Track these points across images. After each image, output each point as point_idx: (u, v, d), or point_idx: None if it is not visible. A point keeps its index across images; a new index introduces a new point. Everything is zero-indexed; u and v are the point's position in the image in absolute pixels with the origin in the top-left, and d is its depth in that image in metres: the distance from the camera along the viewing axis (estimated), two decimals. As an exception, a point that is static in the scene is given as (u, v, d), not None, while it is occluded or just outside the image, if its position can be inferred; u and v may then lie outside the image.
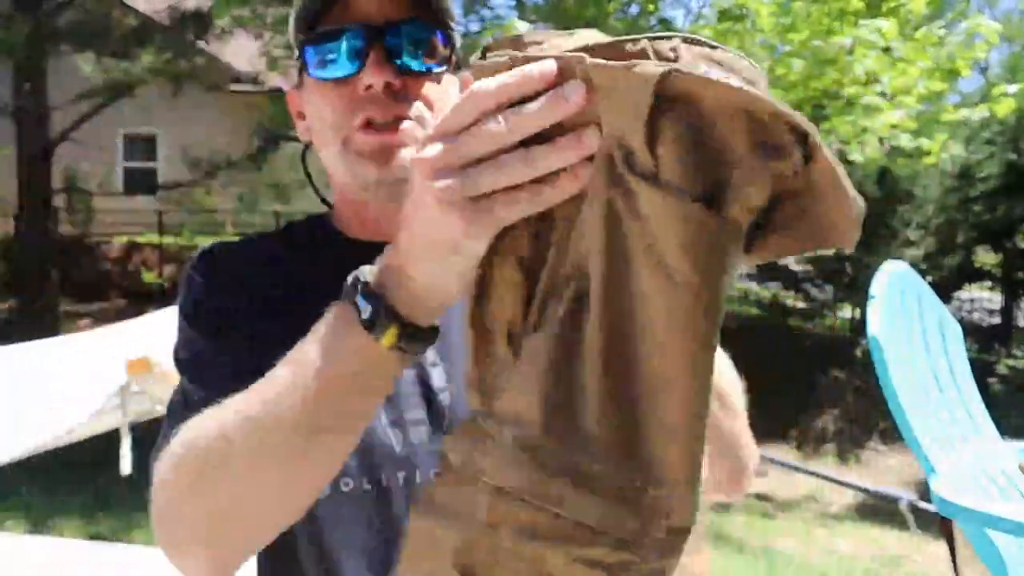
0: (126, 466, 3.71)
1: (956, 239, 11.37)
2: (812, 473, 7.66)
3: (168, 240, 12.67)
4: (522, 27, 6.50)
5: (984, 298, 13.35)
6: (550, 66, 0.48)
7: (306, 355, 0.61)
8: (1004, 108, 6.19)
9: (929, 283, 2.39)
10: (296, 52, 0.87)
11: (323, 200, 0.98)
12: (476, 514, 0.47)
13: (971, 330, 10.87)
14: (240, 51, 10.62)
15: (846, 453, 9.63)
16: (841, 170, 0.46)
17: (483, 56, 0.54)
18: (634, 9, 7.67)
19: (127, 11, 10.55)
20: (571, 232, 0.49)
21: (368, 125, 0.82)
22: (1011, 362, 10.94)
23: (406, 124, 0.81)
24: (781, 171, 0.45)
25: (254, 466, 0.64)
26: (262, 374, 0.65)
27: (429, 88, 0.83)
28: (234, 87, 11.63)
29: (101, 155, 12.23)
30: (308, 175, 0.99)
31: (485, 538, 0.46)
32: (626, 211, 0.45)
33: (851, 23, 6.00)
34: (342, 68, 0.82)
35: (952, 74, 6.24)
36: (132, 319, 5.12)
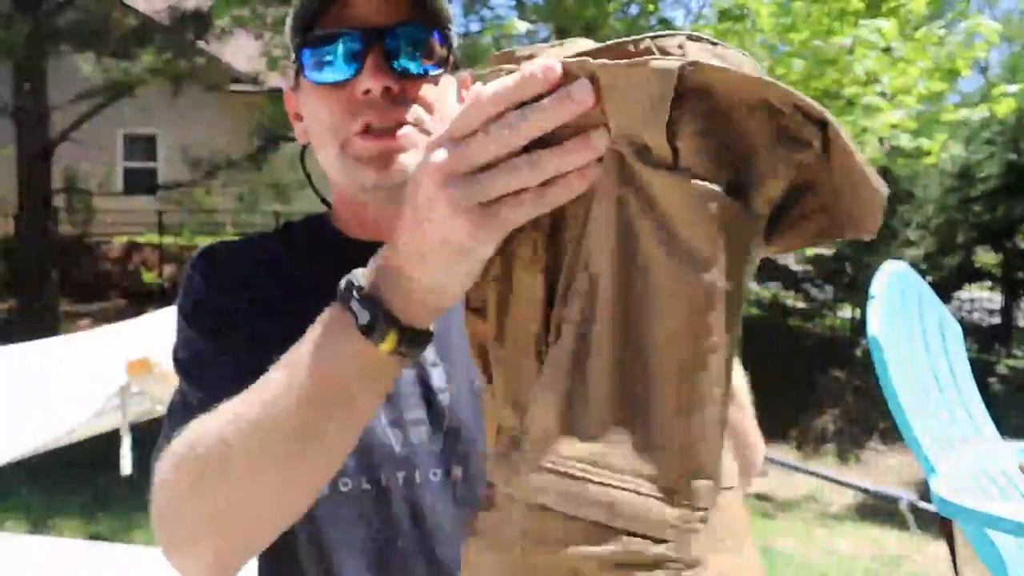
0: (126, 466, 3.71)
1: (956, 239, 11.37)
2: (812, 473, 7.66)
3: (168, 240, 12.66)
4: (522, 27, 6.50)
5: (984, 298, 13.35)
6: (554, 66, 0.48)
7: (302, 359, 0.61)
8: (1004, 108, 6.19)
9: (929, 283, 2.39)
10: (292, 54, 0.86)
11: (322, 200, 0.98)
12: (510, 534, 0.46)
13: (971, 330, 10.86)
14: (240, 51, 10.62)
15: (846, 453, 9.63)
16: (861, 157, 0.45)
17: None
18: (634, 9, 7.67)
19: (127, 11, 10.54)
20: (583, 232, 0.48)
21: (367, 130, 0.81)
22: (1011, 362, 10.94)
23: (405, 129, 0.81)
24: (800, 161, 0.45)
25: (253, 468, 0.64)
26: (262, 374, 0.65)
27: (427, 91, 0.83)
28: (234, 87, 11.62)
29: (101, 155, 12.23)
30: (307, 175, 0.99)
31: (521, 558, 0.45)
32: (639, 207, 0.45)
33: (851, 23, 6.00)
34: (339, 72, 0.82)
35: (952, 74, 6.24)
36: (132, 319, 5.11)
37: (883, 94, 5.94)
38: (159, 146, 14.05)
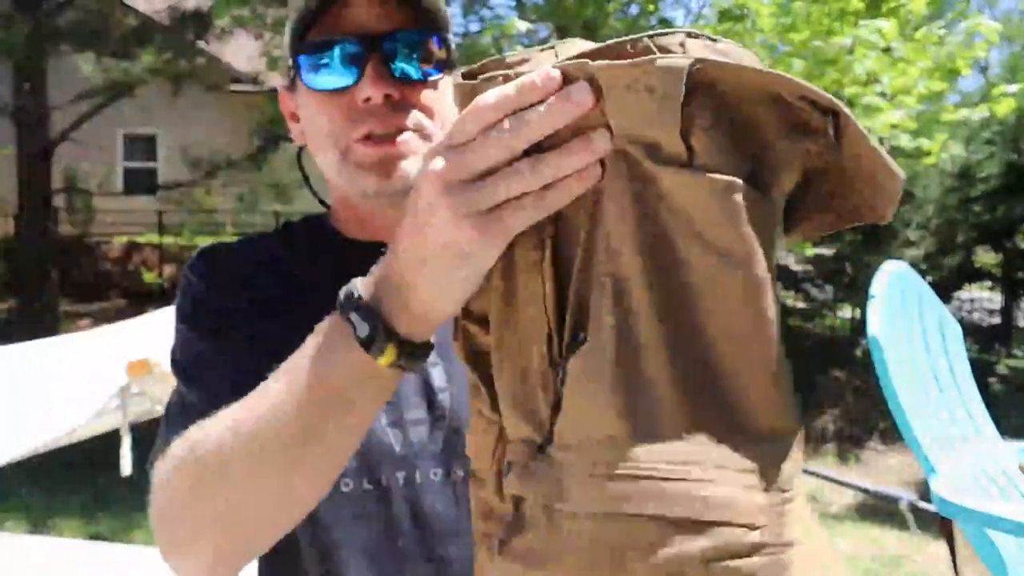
0: (126, 467, 3.71)
1: (956, 239, 11.37)
2: (812, 473, 7.66)
3: (168, 240, 12.66)
4: (522, 27, 6.50)
5: (984, 298, 13.34)
6: (553, 73, 0.48)
7: (302, 367, 0.61)
8: (1004, 108, 6.18)
9: (929, 283, 2.39)
10: (289, 58, 0.85)
11: (320, 201, 0.98)
12: (579, 548, 0.45)
13: (971, 330, 10.85)
14: (240, 51, 10.62)
15: (846, 453, 9.62)
16: (875, 142, 0.45)
17: (472, 77, 0.53)
18: (634, 9, 7.67)
19: (127, 11, 10.54)
20: (593, 233, 0.48)
21: (368, 137, 0.81)
22: (1011, 362, 10.93)
23: (406, 135, 0.81)
24: (814, 151, 0.45)
25: (252, 472, 0.64)
26: (261, 375, 0.65)
27: (427, 96, 0.83)
28: (234, 87, 11.62)
29: (101, 155, 12.22)
30: (305, 177, 0.99)
31: (609, 570, 0.43)
32: (657, 206, 0.45)
33: (851, 23, 6.00)
34: (339, 79, 0.81)
35: (952, 74, 6.24)
36: (132, 319, 5.11)
37: (883, 94, 5.93)
38: (159, 146, 14.05)
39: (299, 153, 0.96)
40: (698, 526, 0.42)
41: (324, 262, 0.88)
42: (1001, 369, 10.49)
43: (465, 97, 0.52)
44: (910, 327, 2.18)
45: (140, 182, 13.37)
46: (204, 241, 9.40)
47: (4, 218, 11.16)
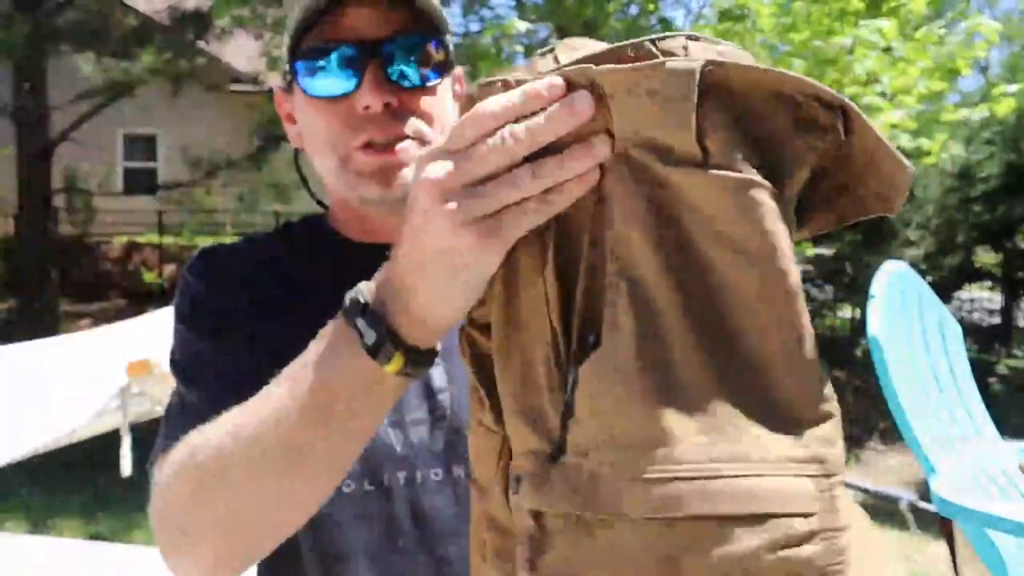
0: (126, 467, 3.71)
1: (956, 239, 11.36)
2: (812, 473, 7.62)
3: (168, 240, 12.66)
4: (522, 27, 6.50)
5: (984, 298, 13.34)
6: (556, 82, 0.48)
7: (305, 373, 0.60)
8: (1004, 108, 6.18)
9: (929, 283, 2.39)
10: (287, 62, 0.84)
11: (319, 202, 0.98)
12: (599, 558, 0.44)
13: (971, 330, 10.84)
14: (240, 51, 10.61)
15: (846, 453, 9.60)
16: (884, 136, 0.46)
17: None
18: (634, 9, 7.66)
19: (127, 11, 10.53)
20: (599, 238, 0.47)
21: (367, 145, 0.80)
22: (1011, 362, 10.93)
23: (405, 144, 0.81)
24: (823, 147, 0.46)
25: (253, 476, 0.64)
26: (261, 375, 0.65)
27: (426, 102, 0.82)
28: (234, 87, 11.62)
29: (101, 155, 12.22)
30: (303, 179, 0.99)
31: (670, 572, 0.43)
32: (673, 206, 0.45)
33: (851, 23, 6.00)
34: (337, 86, 0.80)
35: (952, 74, 6.23)
36: (132, 319, 5.11)
37: (883, 94, 5.93)
38: (159, 146, 14.05)
39: (296, 155, 0.95)
40: (750, 521, 0.41)
41: (324, 263, 0.88)
42: (1001, 369, 10.48)
43: (464, 107, 0.52)
44: (910, 327, 2.18)
45: (140, 182, 13.36)
46: (204, 241, 9.41)
47: (4, 218, 11.16)
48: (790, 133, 0.45)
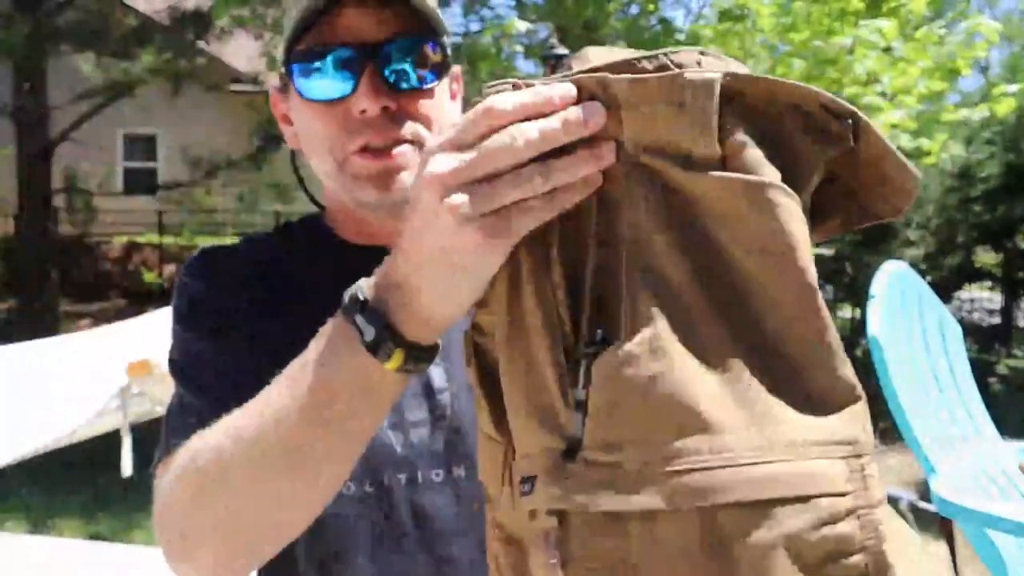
0: (127, 467, 3.71)
1: (956, 239, 11.35)
2: (812, 473, 7.62)
3: (168, 240, 12.66)
4: (522, 27, 6.50)
5: (984, 298, 13.33)
6: (569, 88, 0.49)
7: (305, 373, 0.60)
8: (1004, 108, 6.18)
9: (929, 283, 2.39)
10: (283, 64, 0.83)
11: (315, 203, 0.97)
12: (637, 551, 0.44)
13: (971, 330, 10.83)
14: (240, 51, 10.62)
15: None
16: (892, 146, 0.48)
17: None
18: (634, 9, 7.66)
19: (127, 11, 10.54)
20: (609, 238, 0.48)
21: (364, 149, 0.79)
22: (1011, 362, 10.92)
23: (403, 148, 0.80)
24: (833, 155, 0.48)
25: (253, 478, 0.64)
26: (260, 375, 0.65)
27: (424, 105, 0.82)
28: (234, 87, 11.62)
29: (101, 155, 12.23)
30: (300, 180, 0.98)
31: (722, 556, 0.43)
32: (691, 209, 0.47)
33: (851, 23, 6.00)
34: (334, 89, 0.79)
35: (952, 74, 6.23)
36: (132, 319, 5.11)
37: (883, 94, 5.93)
38: (159, 146, 14.05)
39: (293, 155, 0.95)
40: (794, 502, 0.43)
41: (323, 263, 0.87)
42: (1001, 369, 10.48)
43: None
44: (910, 327, 2.18)
45: (140, 182, 13.37)
46: (204, 241, 9.41)
47: (4, 218, 11.17)
48: (802, 141, 0.47)
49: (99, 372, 3.79)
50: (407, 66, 0.79)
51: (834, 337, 0.47)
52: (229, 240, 0.98)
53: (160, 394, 3.51)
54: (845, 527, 0.43)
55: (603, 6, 7.05)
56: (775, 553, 0.42)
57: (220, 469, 0.65)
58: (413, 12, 0.79)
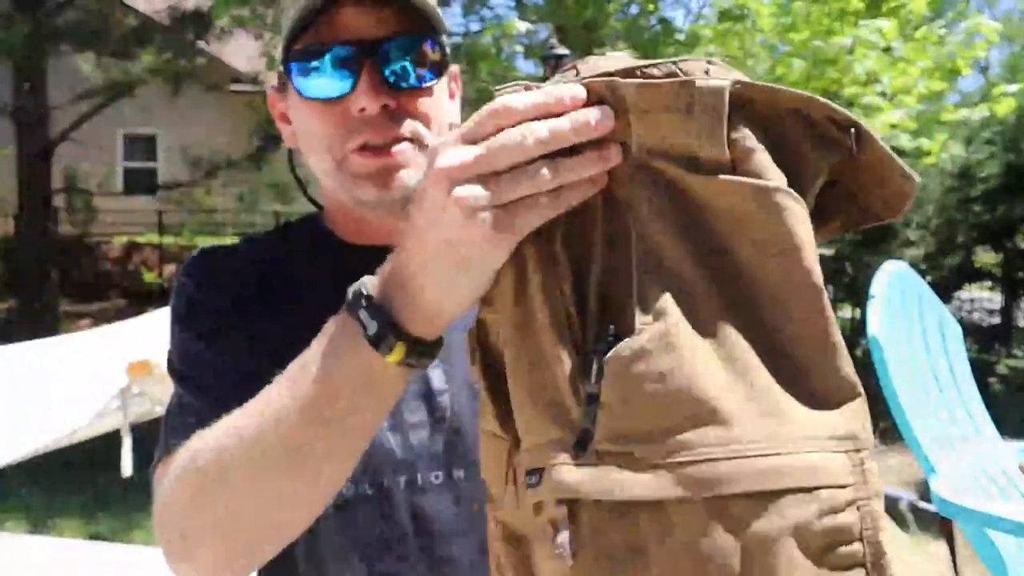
0: (127, 467, 3.72)
1: (956, 239, 11.34)
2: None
3: (168, 240, 12.67)
4: (522, 27, 6.50)
5: (984, 298, 13.32)
6: (579, 90, 0.50)
7: (307, 370, 0.60)
8: (1004, 108, 6.18)
9: (929, 283, 2.39)
10: (281, 63, 0.83)
11: (314, 203, 0.97)
12: (653, 539, 0.45)
13: (971, 330, 10.83)
14: (240, 51, 10.61)
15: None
16: (891, 152, 0.51)
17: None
18: (634, 9, 7.66)
19: (127, 11, 10.54)
20: (617, 236, 0.50)
21: (363, 147, 0.79)
22: (1011, 362, 10.92)
23: (402, 146, 0.80)
24: (835, 161, 0.50)
25: (253, 477, 0.64)
26: (259, 375, 0.65)
27: (423, 103, 0.82)
28: (234, 87, 11.62)
29: (101, 155, 12.23)
30: (298, 180, 0.98)
31: (728, 546, 0.45)
32: (700, 211, 0.49)
33: (851, 23, 6.00)
34: (333, 88, 0.79)
35: (952, 74, 6.24)
36: (132, 319, 5.12)
37: (883, 94, 5.93)
38: (159, 146, 14.06)
39: (290, 155, 0.94)
40: (801, 492, 0.45)
41: (321, 263, 0.87)
42: (1001, 369, 10.48)
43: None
44: (910, 327, 2.18)
45: (140, 182, 13.37)
46: (204, 241, 9.40)
47: (4, 218, 11.17)
48: (806, 147, 0.50)
49: (99, 372, 3.79)
50: (406, 64, 0.79)
51: (838, 336, 0.48)
52: (229, 240, 0.98)
53: (160, 394, 3.51)
54: (846, 517, 0.45)
55: (603, 6, 7.05)
56: (783, 541, 0.44)
57: (220, 469, 0.65)
58: (412, 10, 0.79)
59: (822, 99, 0.49)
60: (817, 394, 0.47)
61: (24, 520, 5.24)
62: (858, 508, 0.46)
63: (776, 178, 0.48)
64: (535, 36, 7.64)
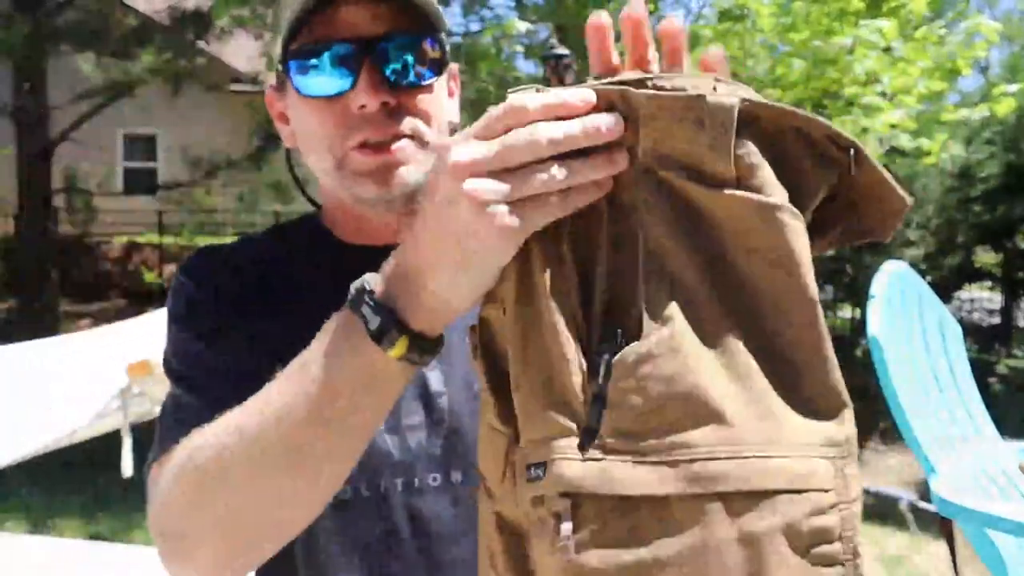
0: (127, 467, 3.71)
1: (956, 239, 11.35)
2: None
3: (168, 240, 12.66)
4: (522, 27, 6.50)
5: (984, 298, 13.33)
6: (590, 95, 0.51)
7: (308, 367, 0.60)
8: (1004, 108, 6.18)
9: (929, 283, 2.39)
10: (279, 61, 0.83)
11: (312, 202, 0.97)
12: (656, 532, 0.47)
13: (971, 330, 10.83)
14: (240, 51, 10.61)
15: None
16: (887, 174, 0.54)
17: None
18: (634, 9, 7.64)
19: (127, 11, 10.53)
20: (623, 239, 0.51)
21: (363, 145, 0.79)
22: (1011, 362, 10.92)
23: (402, 143, 0.80)
24: (833, 180, 0.53)
25: (253, 475, 0.64)
26: (256, 375, 0.65)
27: (422, 100, 0.81)
28: (234, 87, 11.61)
29: (101, 155, 12.23)
30: (296, 180, 0.98)
31: (731, 537, 0.47)
32: (704, 221, 0.51)
33: (851, 23, 6.00)
34: (332, 85, 0.78)
35: (952, 73, 6.23)
36: (132, 319, 5.11)
37: (883, 94, 5.93)
38: (159, 146, 14.05)
39: (288, 155, 0.94)
40: (792, 493, 0.48)
41: (320, 263, 0.87)
42: (1001, 369, 10.48)
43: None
44: (910, 327, 2.18)
45: (140, 182, 13.37)
46: (204, 241, 9.41)
47: (4, 218, 11.17)
48: (807, 164, 0.52)
49: (99, 372, 3.79)
50: (406, 61, 0.79)
51: (829, 348, 0.51)
52: (229, 240, 0.98)
53: (160, 394, 3.49)
54: (829, 519, 0.48)
55: (603, 6, 7.05)
56: (775, 537, 0.47)
57: (220, 467, 0.65)
58: (412, 8, 0.79)
59: (823, 120, 0.51)
60: (810, 402, 0.50)
61: (24, 520, 5.24)
62: (840, 511, 0.49)
63: (778, 194, 0.50)
64: (535, 36, 7.64)
